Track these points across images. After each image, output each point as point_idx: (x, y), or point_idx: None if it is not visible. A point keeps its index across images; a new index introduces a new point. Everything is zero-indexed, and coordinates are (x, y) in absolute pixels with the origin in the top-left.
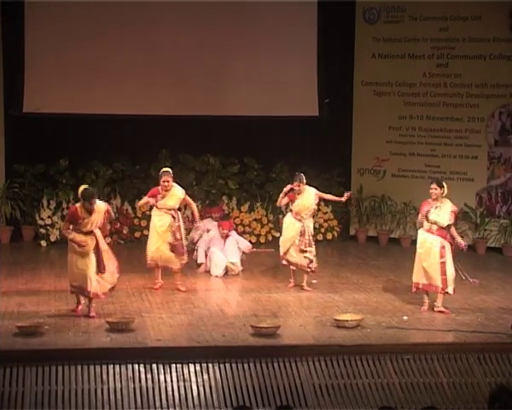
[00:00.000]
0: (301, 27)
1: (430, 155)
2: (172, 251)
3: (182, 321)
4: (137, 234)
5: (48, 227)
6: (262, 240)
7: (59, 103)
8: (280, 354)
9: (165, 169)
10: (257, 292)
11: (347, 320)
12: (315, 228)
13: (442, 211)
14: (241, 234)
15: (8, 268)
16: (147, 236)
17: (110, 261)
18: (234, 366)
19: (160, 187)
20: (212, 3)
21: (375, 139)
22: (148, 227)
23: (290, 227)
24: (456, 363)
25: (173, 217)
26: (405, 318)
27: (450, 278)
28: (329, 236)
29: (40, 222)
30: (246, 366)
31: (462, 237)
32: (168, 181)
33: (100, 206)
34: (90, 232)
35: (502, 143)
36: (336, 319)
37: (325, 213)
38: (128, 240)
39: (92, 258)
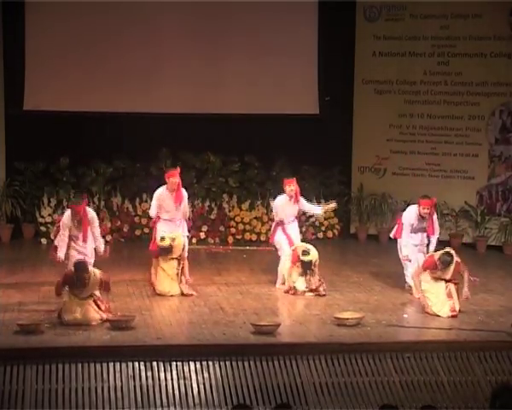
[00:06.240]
0: (302, 25)
1: (431, 154)
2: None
3: (182, 319)
4: (138, 232)
5: (48, 225)
6: (262, 238)
7: (59, 101)
8: (280, 352)
9: None
10: (257, 290)
11: (348, 318)
12: (315, 226)
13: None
14: (241, 232)
15: (9, 266)
16: (147, 234)
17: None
18: (234, 364)
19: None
20: (213, 3)
21: (375, 137)
22: (147, 226)
23: (294, 270)
24: (457, 361)
25: (178, 260)
26: (406, 316)
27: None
28: (330, 234)
29: (40, 220)
30: (246, 364)
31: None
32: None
33: (95, 274)
34: (87, 298)
35: (502, 142)
36: (337, 318)
37: (325, 212)
38: (128, 238)
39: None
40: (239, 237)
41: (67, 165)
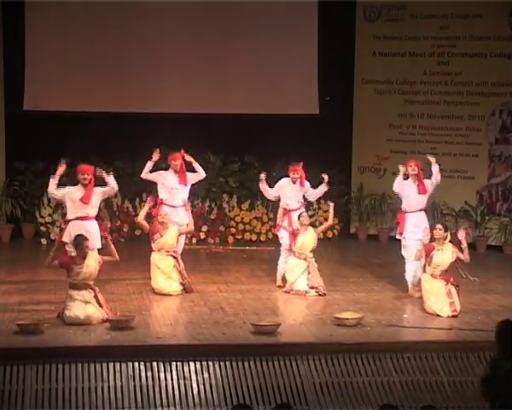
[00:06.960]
0: (302, 26)
1: (431, 154)
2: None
3: (182, 319)
4: (138, 232)
5: (48, 225)
6: (262, 238)
7: (59, 101)
8: (280, 352)
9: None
10: (257, 290)
11: (348, 318)
12: (315, 226)
13: (444, 253)
14: (241, 232)
15: (9, 266)
16: (147, 234)
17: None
18: (234, 364)
19: (157, 222)
20: (213, 3)
21: (375, 137)
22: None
23: (296, 269)
24: (457, 361)
25: (174, 257)
26: (405, 316)
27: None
28: (330, 234)
29: (40, 220)
30: (246, 364)
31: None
32: (166, 214)
33: (94, 255)
34: (86, 286)
35: (502, 142)
36: (336, 317)
37: (325, 211)
38: (128, 238)
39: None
40: (239, 237)
41: (67, 165)
